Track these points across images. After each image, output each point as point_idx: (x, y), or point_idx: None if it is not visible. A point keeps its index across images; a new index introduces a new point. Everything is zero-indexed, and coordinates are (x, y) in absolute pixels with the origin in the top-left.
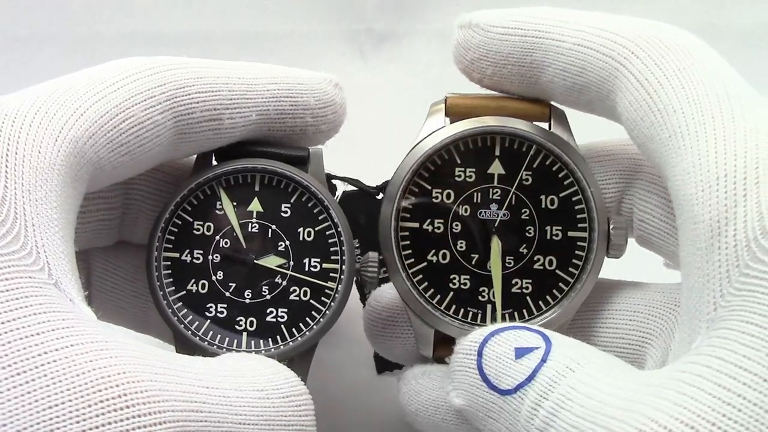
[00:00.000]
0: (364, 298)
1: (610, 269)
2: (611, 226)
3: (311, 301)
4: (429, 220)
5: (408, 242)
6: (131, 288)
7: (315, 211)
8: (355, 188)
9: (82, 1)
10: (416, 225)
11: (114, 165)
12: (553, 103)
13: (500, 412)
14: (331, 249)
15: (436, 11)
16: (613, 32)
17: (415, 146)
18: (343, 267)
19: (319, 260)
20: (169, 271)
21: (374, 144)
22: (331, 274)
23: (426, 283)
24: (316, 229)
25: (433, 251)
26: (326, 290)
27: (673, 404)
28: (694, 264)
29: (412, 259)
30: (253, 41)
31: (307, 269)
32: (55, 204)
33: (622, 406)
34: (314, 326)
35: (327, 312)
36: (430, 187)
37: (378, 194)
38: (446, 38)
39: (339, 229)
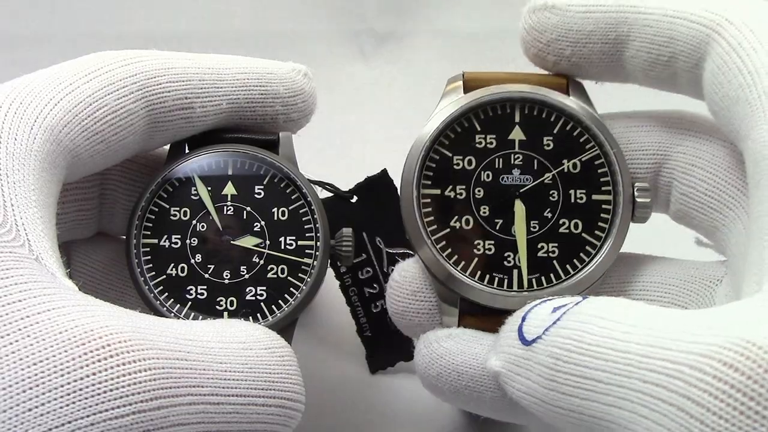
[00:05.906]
0: (340, 275)
1: (640, 247)
2: (636, 190)
3: (289, 277)
4: (450, 187)
5: (430, 209)
6: (107, 280)
7: (288, 191)
8: (330, 193)
9: (82, 1)
10: (438, 192)
11: (90, 153)
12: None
13: (524, 364)
14: (306, 226)
15: (437, 11)
16: (704, 1)
17: (433, 115)
18: (318, 243)
19: (294, 238)
20: (149, 257)
21: (375, 143)
22: (306, 251)
23: (450, 250)
24: (290, 208)
25: (456, 217)
26: (303, 266)
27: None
28: None
29: (435, 226)
30: (253, 41)
31: (283, 247)
32: (33, 187)
33: (694, 331)
34: (293, 302)
35: (304, 287)
36: (450, 154)
37: (352, 197)
38: (447, 38)
39: (312, 207)
